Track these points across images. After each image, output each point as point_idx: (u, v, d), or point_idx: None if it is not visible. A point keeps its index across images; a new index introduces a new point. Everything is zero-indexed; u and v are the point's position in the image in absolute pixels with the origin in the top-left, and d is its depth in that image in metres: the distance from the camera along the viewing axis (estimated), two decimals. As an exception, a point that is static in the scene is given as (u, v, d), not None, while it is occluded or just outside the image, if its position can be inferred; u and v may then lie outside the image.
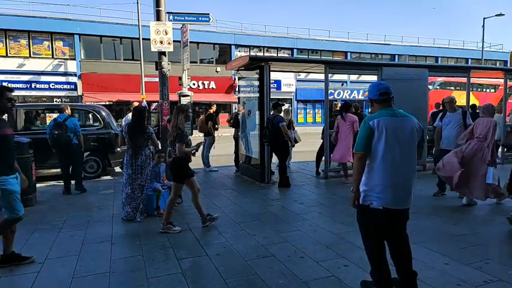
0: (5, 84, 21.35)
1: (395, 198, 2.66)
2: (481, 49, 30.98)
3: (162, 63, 8.00)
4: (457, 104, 6.69)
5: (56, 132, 6.48)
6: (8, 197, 3.35)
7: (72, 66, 22.96)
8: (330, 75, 7.98)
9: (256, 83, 7.65)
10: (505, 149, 10.34)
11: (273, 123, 6.93)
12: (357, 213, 2.87)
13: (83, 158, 7.34)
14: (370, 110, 3.05)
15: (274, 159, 7.74)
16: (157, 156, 5.68)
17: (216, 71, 25.80)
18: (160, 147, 5.61)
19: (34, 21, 21.77)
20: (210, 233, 4.52)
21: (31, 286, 3.16)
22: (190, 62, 9.86)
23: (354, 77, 28.20)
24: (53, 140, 6.51)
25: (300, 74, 24.33)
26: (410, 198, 2.73)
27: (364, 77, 25.69)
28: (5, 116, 3.58)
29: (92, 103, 17.25)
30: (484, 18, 29.35)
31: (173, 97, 8.95)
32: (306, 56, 28.72)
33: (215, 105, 10.27)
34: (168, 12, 8.30)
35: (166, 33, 7.89)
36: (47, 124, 6.93)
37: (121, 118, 14.91)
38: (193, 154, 4.69)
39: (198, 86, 25.18)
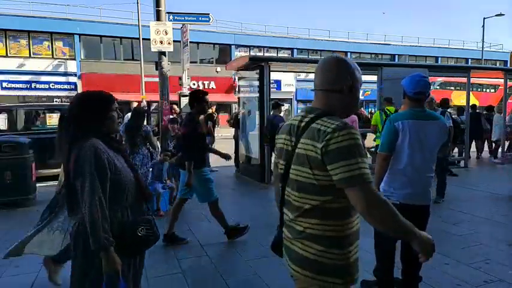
0: (5, 84, 21.37)
1: (413, 194, 2.63)
2: (481, 49, 30.96)
3: (162, 63, 8.02)
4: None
5: None
6: (210, 184, 4.11)
7: (72, 66, 22.96)
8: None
9: (256, 83, 7.65)
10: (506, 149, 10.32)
11: (273, 123, 6.93)
12: None
13: None
14: (401, 104, 2.96)
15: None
16: (163, 154, 5.68)
17: (216, 71, 25.78)
18: (159, 148, 5.61)
19: (34, 21, 21.76)
20: (210, 233, 4.52)
21: (31, 286, 3.16)
22: (190, 62, 9.87)
23: (353, 77, 28.16)
24: None
25: (300, 74, 24.32)
26: (428, 195, 2.71)
27: (364, 77, 25.65)
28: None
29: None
30: (484, 18, 29.36)
31: (173, 97, 8.95)
32: (306, 56, 28.72)
33: (215, 106, 10.27)
34: (168, 12, 8.31)
35: (166, 33, 7.89)
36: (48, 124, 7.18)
37: (121, 118, 14.91)
38: None
39: (198, 86, 25.15)
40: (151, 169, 5.54)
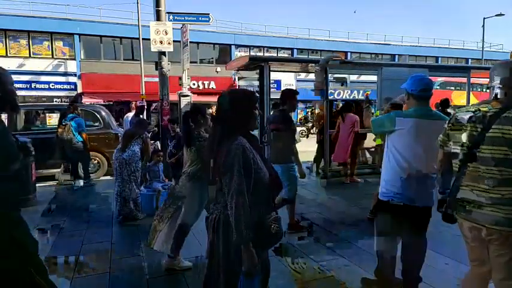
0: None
1: (417, 196, 2.60)
2: (481, 49, 30.95)
3: (162, 63, 8.00)
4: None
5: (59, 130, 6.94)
6: (295, 180, 4.34)
7: (72, 66, 22.95)
8: (330, 75, 7.97)
9: (256, 83, 7.64)
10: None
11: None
12: (376, 208, 2.85)
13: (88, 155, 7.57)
14: (404, 104, 2.97)
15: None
16: (155, 155, 5.68)
17: (216, 71, 25.77)
18: (150, 156, 5.61)
19: (34, 21, 21.75)
20: (210, 233, 4.52)
21: (31, 286, 3.15)
22: (190, 62, 9.83)
23: (354, 77, 28.19)
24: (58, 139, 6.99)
25: (300, 74, 24.30)
26: (432, 197, 2.66)
27: (364, 77, 25.70)
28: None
29: (92, 103, 17.24)
30: (484, 18, 29.33)
31: (173, 97, 8.94)
32: (306, 56, 28.70)
33: (215, 106, 10.25)
34: (168, 12, 8.29)
35: (166, 33, 7.88)
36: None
37: (121, 118, 14.87)
38: None
39: (198, 86, 25.15)
40: (147, 173, 5.55)
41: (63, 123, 7.00)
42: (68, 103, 9.11)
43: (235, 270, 1.86)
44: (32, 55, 22.18)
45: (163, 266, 3.44)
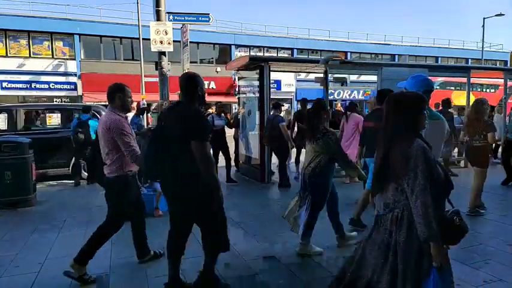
0: (5, 84, 21.35)
1: None
2: (481, 49, 30.95)
3: (162, 63, 8.02)
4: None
5: (80, 130, 7.12)
6: None
7: (72, 66, 22.95)
8: (329, 74, 7.98)
9: (256, 83, 7.65)
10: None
11: (273, 123, 6.92)
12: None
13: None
14: None
15: (274, 159, 7.73)
16: None
17: (216, 71, 25.77)
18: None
19: (34, 21, 21.75)
20: (210, 233, 4.52)
21: (31, 286, 3.16)
22: (190, 62, 9.84)
23: (354, 77, 28.19)
24: (75, 137, 7.17)
25: (300, 74, 24.30)
26: None
27: (364, 77, 25.70)
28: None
29: (92, 103, 17.23)
30: (484, 18, 29.35)
31: (173, 97, 8.94)
32: (306, 56, 28.70)
33: (215, 106, 10.24)
34: (168, 12, 8.31)
35: (166, 33, 7.90)
36: (72, 123, 7.52)
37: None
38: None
39: (198, 86, 25.16)
40: None
41: (79, 124, 7.14)
42: (68, 103, 9.15)
43: (423, 267, 1.89)
44: (32, 55, 22.18)
45: (297, 252, 3.80)
